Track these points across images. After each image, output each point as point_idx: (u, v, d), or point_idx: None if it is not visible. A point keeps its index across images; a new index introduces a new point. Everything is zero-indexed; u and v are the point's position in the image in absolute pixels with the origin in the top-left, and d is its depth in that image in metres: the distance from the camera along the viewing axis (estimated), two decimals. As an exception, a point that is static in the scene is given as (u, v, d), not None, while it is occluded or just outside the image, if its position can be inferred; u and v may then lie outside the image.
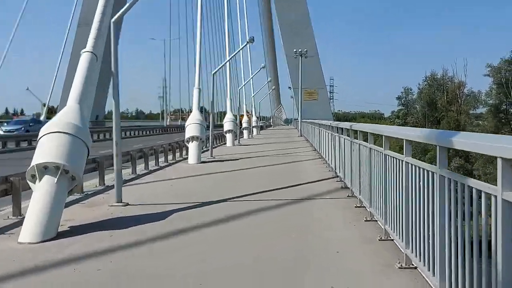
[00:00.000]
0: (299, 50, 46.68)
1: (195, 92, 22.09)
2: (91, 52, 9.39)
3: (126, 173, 15.27)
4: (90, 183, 12.87)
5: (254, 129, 53.08)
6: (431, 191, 4.46)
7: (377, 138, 8.05)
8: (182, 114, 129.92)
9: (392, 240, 6.36)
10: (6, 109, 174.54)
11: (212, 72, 23.74)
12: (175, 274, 5.47)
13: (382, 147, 6.72)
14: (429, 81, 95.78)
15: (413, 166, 5.10)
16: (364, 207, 8.64)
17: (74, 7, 60.90)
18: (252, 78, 47.56)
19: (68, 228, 7.78)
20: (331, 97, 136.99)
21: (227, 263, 5.79)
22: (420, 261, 4.88)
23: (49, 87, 61.27)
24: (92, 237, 7.20)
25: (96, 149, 14.67)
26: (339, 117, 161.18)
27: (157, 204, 9.86)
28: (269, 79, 62.54)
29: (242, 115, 49.00)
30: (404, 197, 5.44)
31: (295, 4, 65.58)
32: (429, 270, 4.59)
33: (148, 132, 61.26)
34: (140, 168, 16.69)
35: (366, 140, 9.16)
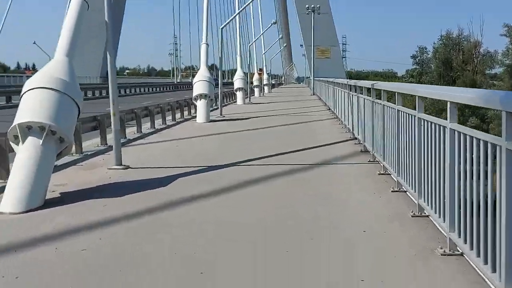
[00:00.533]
0: (312, 6, 45.03)
1: (203, 48, 21.01)
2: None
3: (131, 132, 14.48)
4: (93, 142, 12.07)
5: (265, 87, 51.91)
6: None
7: (405, 98, 7.15)
8: (193, 71, 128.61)
9: (425, 216, 5.51)
10: (18, 63, 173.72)
11: (221, 27, 22.58)
12: (172, 256, 4.64)
13: (415, 109, 5.79)
14: (444, 40, 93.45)
15: (459, 133, 4.23)
16: (389, 174, 7.78)
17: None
18: (262, 34, 46.22)
19: (59, 195, 6.99)
20: (344, 56, 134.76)
21: (232, 240, 4.96)
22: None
23: (56, 40, 59.81)
24: (83, 206, 6.40)
25: (103, 105, 14.00)
26: (351, 75, 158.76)
27: (160, 167, 9.04)
28: (280, 36, 60.93)
29: (253, 74, 47.82)
30: (448, 169, 4.53)
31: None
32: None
33: (158, 89, 60.30)
34: (146, 126, 15.87)
35: (390, 100, 8.25)
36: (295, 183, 7.90)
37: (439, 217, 4.86)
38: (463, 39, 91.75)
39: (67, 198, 6.84)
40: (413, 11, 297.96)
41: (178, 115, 19.61)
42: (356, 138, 12.15)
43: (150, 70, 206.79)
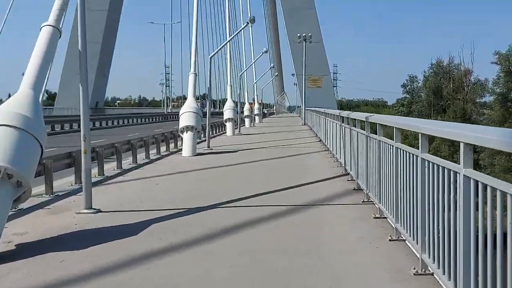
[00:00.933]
0: (303, 34, 44.75)
1: (191, 78, 20.29)
2: (54, 26, 7.71)
3: (111, 167, 13.68)
4: (67, 181, 11.23)
5: (256, 117, 51.32)
6: None
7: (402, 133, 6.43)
8: (184, 101, 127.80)
9: (429, 274, 4.74)
10: (9, 95, 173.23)
11: (209, 56, 21.97)
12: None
13: (418, 149, 5.06)
14: (435, 68, 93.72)
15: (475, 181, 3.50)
16: (385, 217, 7.02)
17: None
18: (254, 63, 45.78)
19: (14, 247, 6.15)
20: (335, 85, 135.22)
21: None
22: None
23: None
24: (39, 262, 5.56)
25: (93, 137, 13.24)
26: (342, 105, 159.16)
27: (135, 210, 8.22)
28: (272, 65, 60.58)
29: (251, 103, 47.31)
30: (462, 221, 3.76)
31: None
32: None
33: (147, 120, 59.55)
34: (129, 161, 15.07)
35: (386, 134, 7.54)
36: (282, 229, 7.10)
37: (449, 279, 4.09)
38: (454, 67, 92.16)
39: (23, 251, 6.01)
40: (403, 40, 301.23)
41: (163, 148, 18.83)
42: (348, 174, 11.41)
43: (141, 100, 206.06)
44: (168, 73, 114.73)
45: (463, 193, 3.72)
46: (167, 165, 15.04)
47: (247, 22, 23.88)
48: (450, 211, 4.17)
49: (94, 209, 8.02)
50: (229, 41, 27.19)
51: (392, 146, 6.39)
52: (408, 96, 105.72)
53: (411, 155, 5.45)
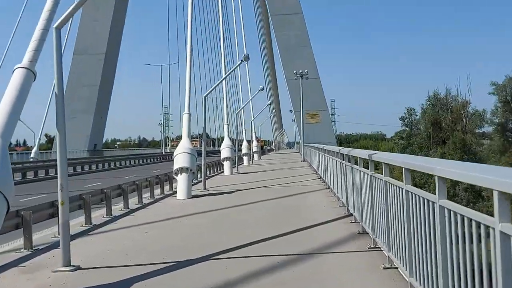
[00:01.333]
0: (300, 71, 44.49)
1: (185, 118, 19.61)
2: (28, 68, 7.10)
3: (100, 215, 12.92)
4: (51, 232, 10.45)
5: (255, 155, 50.64)
6: None
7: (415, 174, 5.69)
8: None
9: None
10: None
11: (204, 95, 21.36)
12: None
13: (435, 194, 4.34)
14: (432, 101, 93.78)
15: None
16: (397, 268, 6.24)
17: (68, 33, 58.50)
18: (251, 100, 45.35)
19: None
20: (333, 119, 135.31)
21: None
22: None
23: (42, 116, 57.97)
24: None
25: (89, 181, 12.59)
26: (341, 139, 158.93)
27: (118, 266, 7.42)
28: (269, 102, 60.24)
29: (249, 141, 46.73)
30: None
31: (294, 25, 63.83)
32: None
33: (146, 161, 58.84)
34: (120, 207, 14.31)
35: (392, 173, 6.82)
36: (281, 284, 6.31)
37: None
38: (451, 99, 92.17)
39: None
40: (399, 72, 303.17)
41: (158, 191, 18.08)
42: (351, 215, 10.65)
43: (141, 141, 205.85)
44: (167, 113, 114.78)
45: (500, 252, 3.00)
46: (160, 210, 14.25)
47: (241, 60, 23.48)
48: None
49: (73, 266, 7.24)
50: (223, 79, 26.69)
51: (402, 189, 5.67)
52: (407, 128, 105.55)
53: (426, 201, 4.72)
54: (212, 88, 23.53)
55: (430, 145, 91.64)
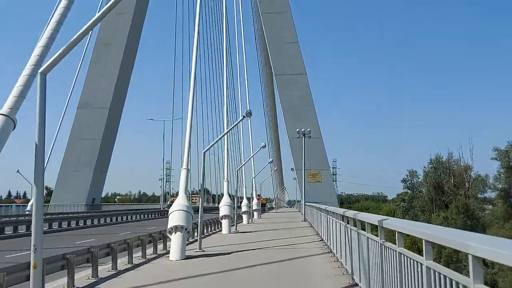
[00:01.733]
0: (302, 129, 44.13)
1: (183, 173, 18.79)
2: (7, 116, 6.47)
3: (85, 276, 11.99)
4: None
5: (255, 213, 49.54)
6: None
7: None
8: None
9: None
10: (9, 192, 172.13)
11: (203, 151, 20.74)
12: None
13: (469, 277, 3.57)
14: (434, 164, 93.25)
15: None
16: None
17: (73, 87, 58.62)
18: (252, 157, 44.74)
19: None
20: (334, 179, 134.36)
21: None
22: None
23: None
24: None
25: (81, 236, 11.70)
26: (342, 199, 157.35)
27: None
28: (270, 160, 59.72)
29: (249, 198, 45.80)
30: None
31: (298, 85, 64.08)
32: None
33: (144, 216, 57.63)
34: (109, 267, 13.38)
35: (407, 244, 6.04)
36: None
37: None
38: (453, 163, 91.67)
39: None
40: (401, 134, 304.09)
41: (150, 250, 17.13)
42: (357, 285, 9.75)
43: (141, 196, 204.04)
44: (168, 168, 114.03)
45: None
46: (150, 272, 13.28)
47: (243, 116, 23.01)
48: None
49: None
50: (224, 135, 26.13)
51: (422, 264, 4.88)
52: (409, 191, 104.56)
53: (455, 283, 3.94)
54: (212, 144, 22.92)
55: (432, 208, 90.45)
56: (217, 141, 24.28)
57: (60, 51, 7.03)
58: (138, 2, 68.29)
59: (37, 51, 7.35)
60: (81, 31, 7.16)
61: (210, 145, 18.02)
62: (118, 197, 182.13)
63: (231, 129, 28.07)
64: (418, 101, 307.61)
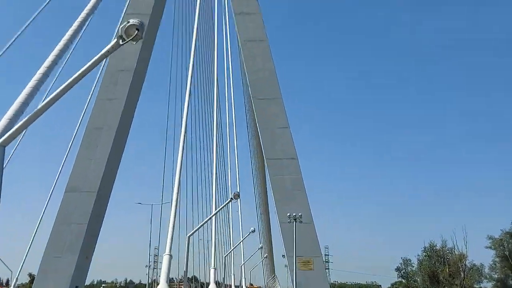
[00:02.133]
0: (293, 214, 43.01)
1: (165, 260, 17.50)
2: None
3: None
4: None
5: (243, 306, 47.15)
6: None
7: None
8: (172, 284, 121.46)
9: None
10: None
11: (188, 235, 19.84)
12: None
13: None
14: (428, 252, 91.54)
15: None
16: None
17: (60, 171, 57.52)
18: (242, 242, 43.27)
19: None
20: (327, 267, 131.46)
21: None
22: None
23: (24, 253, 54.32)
24: None
25: None
26: (335, 287, 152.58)
27: None
28: (260, 245, 58.04)
29: (230, 285, 43.75)
30: None
31: (289, 169, 63.60)
32: None
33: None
34: None
35: None
36: None
37: None
38: (447, 251, 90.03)
39: None
40: (393, 223, 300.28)
41: None
42: None
43: (127, 284, 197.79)
44: (156, 255, 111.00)
45: None
46: None
47: (231, 198, 22.07)
48: None
49: None
50: (210, 217, 25.19)
51: None
52: (403, 280, 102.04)
53: None
54: (198, 227, 21.85)
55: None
56: (202, 224, 23.18)
57: (20, 123, 6.41)
58: (131, 88, 68.95)
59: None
60: (41, 105, 6.58)
61: (195, 228, 17.10)
62: (103, 285, 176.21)
63: (217, 211, 27.17)
64: (413, 190, 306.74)
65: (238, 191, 16.50)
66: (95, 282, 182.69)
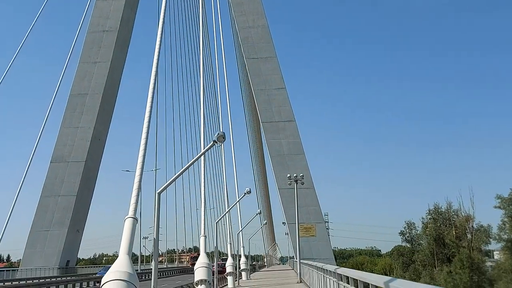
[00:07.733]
0: (294, 175, 39.25)
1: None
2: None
3: None
4: None
5: (243, 273, 43.85)
6: None
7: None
8: (171, 257, 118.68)
9: None
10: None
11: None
12: None
13: None
14: (433, 214, 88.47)
15: None
16: None
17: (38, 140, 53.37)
18: (238, 205, 39.92)
19: None
20: (327, 233, 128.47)
21: None
22: None
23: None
24: None
25: None
26: (335, 254, 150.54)
27: None
28: (259, 211, 54.35)
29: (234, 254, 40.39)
30: None
31: (286, 132, 59.59)
32: None
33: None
34: None
35: None
36: None
37: None
38: (453, 213, 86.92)
39: None
40: (395, 183, 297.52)
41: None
42: None
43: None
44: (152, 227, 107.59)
45: None
46: None
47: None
48: None
49: None
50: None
51: None
52: (407, 244, 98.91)
53: None
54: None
55: (434, 262, 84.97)
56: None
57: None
58: (115, 50, 64.23)
59: None
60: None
61: (165, 184, 13.10)
62: (105, 258, 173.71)
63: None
64: (414, 149, 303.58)
65: (223, 131, 12.64)
66: (96, 256, 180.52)
